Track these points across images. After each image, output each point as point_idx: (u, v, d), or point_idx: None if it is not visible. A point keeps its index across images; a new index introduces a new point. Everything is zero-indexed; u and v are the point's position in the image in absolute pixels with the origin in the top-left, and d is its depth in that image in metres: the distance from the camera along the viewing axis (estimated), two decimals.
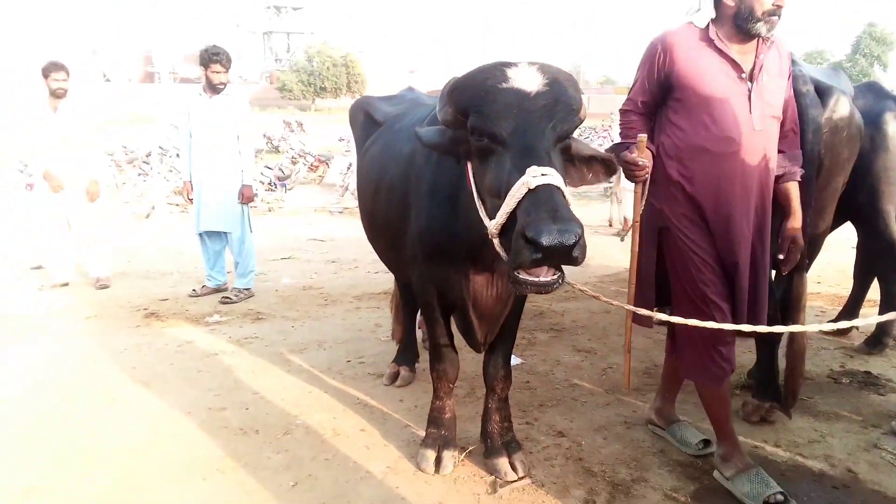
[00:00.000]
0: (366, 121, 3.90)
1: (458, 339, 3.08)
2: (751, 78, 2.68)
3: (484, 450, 3.10)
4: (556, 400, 3.77)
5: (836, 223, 3.99)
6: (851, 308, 4.81)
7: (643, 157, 2.74)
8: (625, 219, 9.13)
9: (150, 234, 9.74)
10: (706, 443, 3.14)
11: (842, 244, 5.97)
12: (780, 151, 2.83)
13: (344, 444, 3.29)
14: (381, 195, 3.28)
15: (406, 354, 4.16)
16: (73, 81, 6.34)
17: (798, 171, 2.89)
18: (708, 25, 2.70)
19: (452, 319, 3.06)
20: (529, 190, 1.93)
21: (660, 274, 2.93)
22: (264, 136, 22.47)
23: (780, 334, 3.44)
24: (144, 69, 55.88)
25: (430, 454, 3.05)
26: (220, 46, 5.96)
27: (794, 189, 2.89)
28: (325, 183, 15.65)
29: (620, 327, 5.04)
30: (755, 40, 2.68)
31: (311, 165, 15.88)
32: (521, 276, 1.95)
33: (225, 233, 6.09)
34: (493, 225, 2.09)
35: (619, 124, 3.00)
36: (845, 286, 5.29)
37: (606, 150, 2.98)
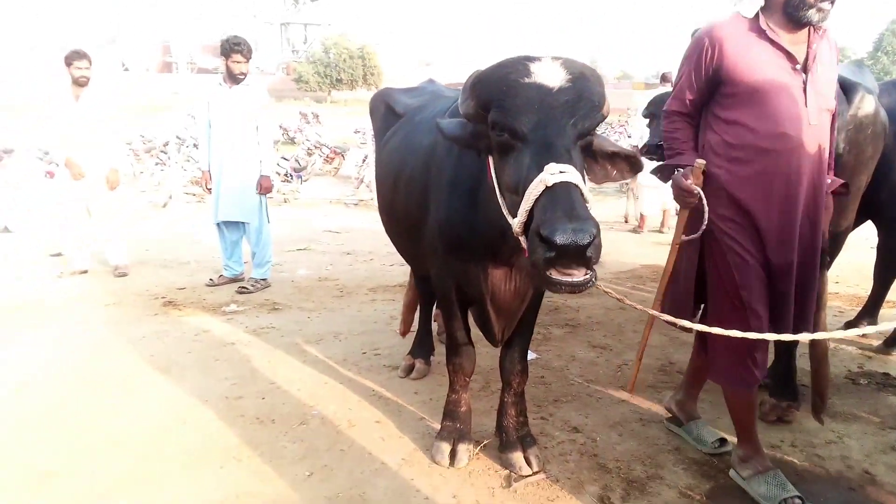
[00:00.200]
0: (386, 112, 3.90)
1: (475, 333, 3.08)
2: (805, 69, 2.55)
3: (499, 444, 3.10)
4: (572, 396, 3.77)
5: (857, 221, 3.95)
6: (871, 309, 4.76)
7: (697, 184, 2.62)
8: (641, 215, 9.08)
9: (167, 223, 9.82)
10: (722, 441, 3.12)
11: (861, 244, 5.91)
12: None
13: (359, 436, 3.30)
14: (401, 187, 3.29)
15: (421, 347, 4.16)
16: (95, 70, 6.39)
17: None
18: (757, 15, 2.58)
19: (470, 313, 3.06)
20: (547, 187, 1.92)
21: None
22: (280, 127, 22.53)
23: None
24: (162, 59, 56.13)
25: (446, 447, 3.06)
26: (241, 37, 5.99)
27: None
28: (341, 175, 15.69)
29: (636, 324, 5.04)
30: (806, 29, 2.56)
31: (327, 157, 15.91)
32: (553, 276, 1.90)
33: (243, 223, 6.12)
34: (515, 223, 2.08)
35: (665, 129, 2.86)
36: (864, 286, 5.24)
37: (654, 170, 2.95)
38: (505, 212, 2.21)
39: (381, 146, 3.85)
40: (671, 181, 2.74)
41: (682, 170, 2.71)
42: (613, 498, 2.77)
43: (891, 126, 3.60)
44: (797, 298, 2.68)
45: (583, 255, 1.83)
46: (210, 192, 6.18)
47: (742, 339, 2.41)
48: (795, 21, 2.52)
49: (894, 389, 3.89)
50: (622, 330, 4.89)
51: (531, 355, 4.16)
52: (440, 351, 4.28)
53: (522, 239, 2.11)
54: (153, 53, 55.37)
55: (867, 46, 59.06)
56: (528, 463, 2.96)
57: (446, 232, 2.80)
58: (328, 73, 47.32)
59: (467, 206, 2.65)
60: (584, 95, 2.11)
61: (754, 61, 2.55)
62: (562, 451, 3.16)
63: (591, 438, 3.28)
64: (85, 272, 6.51)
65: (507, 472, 2.96)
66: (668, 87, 7.89)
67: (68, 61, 6.19)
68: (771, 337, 2.34)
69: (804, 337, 2.43)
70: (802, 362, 3.43)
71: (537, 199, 1.94)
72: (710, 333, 2.50)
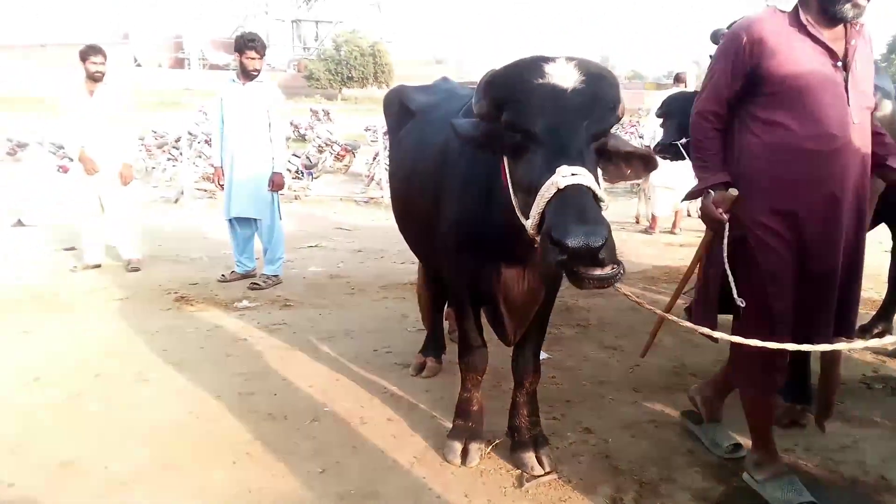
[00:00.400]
0: (400, 110, 3.89)
1: (488, 332, 3.08)
2: (845, 66, 2.46)
3: (510, 443, 3.10)
4: (583, 396, 3.76)
5: (871, 224, 3.92)
6: (886, 313, 4.73)
7: (727, 211, 2.56)
8: (652, 216, 9.04)
9: (179, 218, 9.86)
10: (737, 447, 3.09)
11: (874, 247, 5.86)
12: None
13: (371, 433, 3.31)
14: (414, 185, 3.29)
15: (433, 346, 4.16)
16: (110, 66, 6.42)
17: None
18: (796, 9, 2.48)
19: (482, 312, 3.06)
20: (559, 190, 1.91)
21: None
22: (291, 124, 22.55)
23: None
24: (174, 55, 56.34)
25: (457, 446, 3.06)
26: (256, 33, 6.01)
27: None
28: (351, 172, 15.71)
29: (648, 325, 4.97)
30: (842, 25, 2.47)
31: (338, 154, 15.91)
32: (580, 271, 1.90)
33: (255, 219, 6.13)
34: (529, 225, 2.08)
35: (695, 131, 2.72)
36: (878, 290, 5.20)
37: (689, 193, 2.86)
38: (518, 212, 2.21)
39: (395, 144, 3.86)
40: (700, 206, 2.67)
41: (712, 192, 2.61)
42: (626, 500, 2.77)
43: None
44: (841, 303, 2.59)
45: (595, 257, 1.83)
46: (222, 189, 6.20)
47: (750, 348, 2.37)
48: (831, 16, 2.43)
49: None
50: (634, 331, 4.87)
51: (543, 355, 4.15)
52: (452, 349, 4.28)
53: (539, 239, 2.11)
54: (165, 50, 55.58)
55: (881, 48, 58.63)
56: (540, 463, 2.96)
57: (459, 231, 2.80)
58: (339, 70, 47.42)
59: (480, 205, 2.65)
60: (598, 97, 2.10)
61: (797, 59, 2.44)
62: (574, 451, 3.16)
63: (604, 439, 3.27)
64: (98, 266, 6.55)
65: (518, 471, 2.96)
66: (681, 88, 7.87)
67: (83, 56, 6.22)
68: (792, 347, 2.28)
69: (824, 348, 2.38)
70: (816, 364, 3.40)
71: (549, 202, 1.94)
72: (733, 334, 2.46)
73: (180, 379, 3.92)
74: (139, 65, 49.85)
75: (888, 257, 4.68)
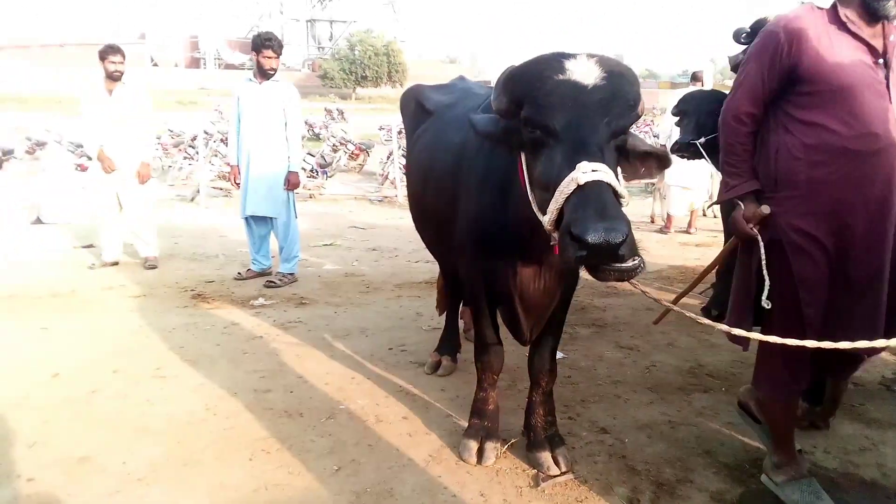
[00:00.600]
0: (416, 109, 3.90)
1: (503, 331, 3.07)
2: (885, 63, 2.37)
3: (526, 443, 3.09)
4: (599, 396, 3.75)
5: None
6: None
7: (759, 226, 2.50)
8: (668, 215, 8.99)
9: (195, 217, 9.93)
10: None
11: None
12: None
13: (386, 431, 3.31)
14: (431, 184, 3.29)
15: (448, 344, 4.16)
16: (128, 65, 6.48)
17: None
18: (834, 5, 2.40)
19: (498, 311, 3.05)
20: (578, 186, 1.90)
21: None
22: (306, 123, 22.66)
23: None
24: (190, 54, 56.75)
25: (473, 445, 3.06)
26: (272, 32, 6.03)
27: None
28: (366, 171, 15.77)
29: (663, 325, 4.92)
30: (880, 22, 2.38)
31: (352, 153, 15.96)
32: (601, 264, 1.89)
33: (270, 218, 6.16)
34: (546, 221, 2.07)
35: (728, 132, 2.62)
36: None
37: (721, 195, 2.78)
38: (535, 209, 2.20)
39: (412, 143, 3.86)
40: (731, 218, 2.61)
41: (741, 204, 2.55)
42: (643, 500, 2.75)
43: None
44: (890, 305, 2.48)
45: (615, 253, 1.82)
46: (238, 187, 6.23)
47: (791, 349, 2.32)
48: (872, 13, 2.34)
49: None
50: (650, 331, 4.84)
51: (558, 355, 4.14)
52: (466, 348, 4.29)
53: (555, 235, 2.11)
54: (181, 49, 55.97)
55: None
56: (556, 463, 2.94)
57: (476, 229, 2.79)
58: (353, 69, 47.58)
59: (497, 203, 2.65)
60: (618, 94, 2.09)
61: (838, 57, 2.35)
62: (590, 451, 3.14)
63: (620, 440, 3.25)
64: (116, 264, 6.61)
65: (534, 471, 2.95)
66: (698, 87, 7.80)
67: (102, 56, 6.28)
68: (812, 345, 2.22)
69: (845, 346, 2.32)
70: None
71: (568, 198, 1.93)
72: (759, 341, 2.41)
73: (197, 375, 3.95)
74: (156, 64, 50.26)
75: None
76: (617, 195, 1.94)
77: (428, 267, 6.67)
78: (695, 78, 8.40)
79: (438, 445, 3.19)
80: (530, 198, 2.24)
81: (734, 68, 4.94)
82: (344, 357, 4.30)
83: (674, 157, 2.67)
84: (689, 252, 7.78)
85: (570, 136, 2.00)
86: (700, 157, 4.81)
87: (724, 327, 2.47)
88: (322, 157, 14.44)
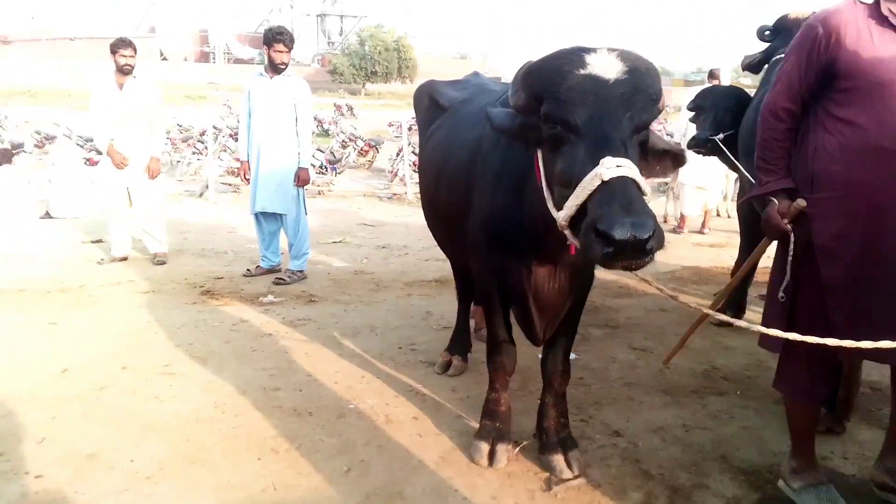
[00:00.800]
0: (430, 105, 3.86)
1: (515, 332, 3.03)
2: None
3: (538, 445, 3.05)
4: (612, 398, 3.70)
5: None
6: None
7: (790, 222, 2.44)
8: (681, 215, 8.91)
9: (204, 212, 9.92)
10: None
11: None
12: None
13: (396, 432, 3.28)
14: (444, 181, 3.25)
15: (459, 344, 4.12)
16: (139, 59, 6.46)
17: None
18: (877, 1, 2.31)
19: (511, 310, 3.01)
20: (603, 182, 1.86)
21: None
22: (315, 118, 22.68)
23: None
24: (200, 49, 56.84)
25: (484, 447, 3.01)
26: (284, 26, 6.00)
27: None
28: (375, 168, 15.74)
29: (677, 326, 4.92)
30: None
31: (361, 150, 15.93)
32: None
33: (280, 214, 6.13)
34: (561, 216, 2.03)
35: (764, 127, 2.55)
36: None
37: (754, 191, 2.74)
38: (550, 205, 2.17)
39: (425, 139, 3.81)
40: (764, 213, 2.55)
41: (775, 201, 2.49)
42: None
43: None
44: None
45: (642, 249, 1.78)
46: (248, 183, 6.20)
47: (817, 353, 2.28)
48: None
49: None
50: (663, 332, 4.79)
51: (570, 356, 4.10)
52: (477, 348, 4.24)
53: (568, 233, 2.07)
54: (191, 43, 56.09)
55: None
56: (569, 466, 2.90)
57: (490, 227, 2.75)
58: (363, 65, 47.54)
59: (513, 201, 2.61)
60: (640, 88, 2.04)
61: (878, 53, 2.26)
62: (603, 455, 3.10)
63: (633, 443, 3.20)
64: (125, 259, 6.59)
65: (546, 474, 2.90)
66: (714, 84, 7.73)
67: (113, 49, 6.26)
68: (832, 343, 2.16)
69: (867, 345, 2.25)
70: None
71: (592, 194, 1.88)
72: (786, 342, 2.34)
73: (206, 372, 3.92)
74: (165, 58, 50.35)
75: None
76: (640, 191, 1.90)
77: (438, 265, 6.62)
78: (712, 75, 8.34)
79: (449, 447, 3.15)
80: (546, 195, 2.19)
81: (746, 67, 4.89)
82: (353, 355, 4.26)
83: (688, 156, 2.60)
84: (702, 253, 7.70)
85: (592, 131, 1.96)
86: (716, 153, 4.76)
87: (760, 328, 2.39)
88: (331, 153, 14.41)
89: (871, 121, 2.28)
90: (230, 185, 12.08)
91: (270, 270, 6.20)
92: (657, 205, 10.57)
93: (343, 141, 15.86)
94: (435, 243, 4.13)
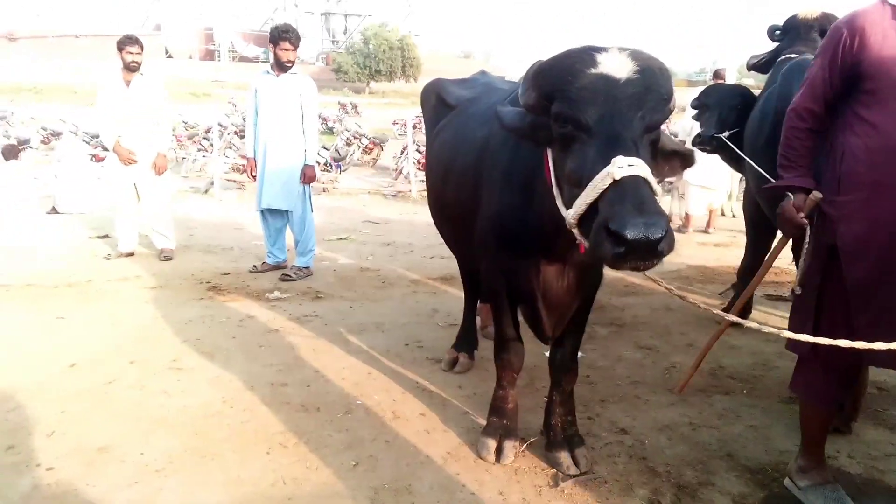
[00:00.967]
0: (437, 103, 3.86)
1: (523, 328, 3.03)
2: None
3: (545, 442, 3.06)
4: (618, 397, 3.71)
5: None
6: None
7: (807, 216, 2.43)
8: (686, 214, 8.91)
9: (209, 209, 9.94)
10: None
11: None
12: None
13: (404, 428, 3.29)
14: (452, 179, 3.26)
15: (465, 341, 4.13)
16: (146, 56, 6.48)
17: None
18: None
19: (519, 308, 3.02)
20: (614, 181, 1.86)
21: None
22: (320, 117, 22.68)
23: None
24: (205, 47, 56.86)
25: (491, 443, 3.03)
26: (290, 24, 6.01)
27: None
28: (379, 166, 15.77)
29: (683, 325, 4.94)
30: None
31: (366, 148, 15.97)
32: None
33: (286, 211, 6.15)
34: (570, 215, 2.03)
35: (787, 127, 2.55)
36: None
37: (773, 184, 2.72)
38: (559, 203, 2.17)
39: (432, 138, 3.82)
40: (779, 208, 2.53)
41: (791, 195, 2.49)
42: (664, 503, 2.71)
43: None
44: None
45: (654, 249, 1.78)
46: (255, 180, 6.22)
47: (833, 356, 2.26)
48: None
49: None
50: (669, 331, 4.80)
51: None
52: (483, 345, 4.26)
53: (576, 232, 2.07)
54: (196, 41, 56.12)
55: None
56: (576, 463, 2.91)
57: (499, 226, 2.76)
58: (367, 63, 47.50)
59: (522, 200, 2.61)
60: (652, 88, 2.04)
61: None
62: (609, 452, 3.11)
63: (640, 441, 3.21)
64: (131, 254, 6.62)
65: (553, 471, 2.91)
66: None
67: (120, 46, 6.27)
68: (845, 344, 2.15)
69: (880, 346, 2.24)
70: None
71: (603, 193, 1.89)
72: (804, 344, 2.32)
73: (213, 368, 3.94)
74: (170, 56, 50.38)
75: None
76: (652, 191, 1.90)
77: (443, 263, 6.64)
78: (717, 76, 8.34)
79: (456, 443, 3.16)
80: (556, 193, 2.20)
81: (753, 67, 4.89)
82: (360, 352, 4.28)
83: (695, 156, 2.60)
84: (707, 252, 7.71)
85: (603, 130, 1.96)
86: (720, 151, 4.75)
87: (789, 334, 2.37)
88: (336, 150, 14.46)
89: (892, 122, 2.27)
90: (235, 181, 12.11)
91: (276, 267, 6.22)
92: (662, 203, 10.58)
93: (348, 139, 15.90)
94: (440, 241, 4.14)
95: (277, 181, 6.02)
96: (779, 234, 2.90)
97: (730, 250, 7.75)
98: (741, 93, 4.99)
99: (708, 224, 8.93)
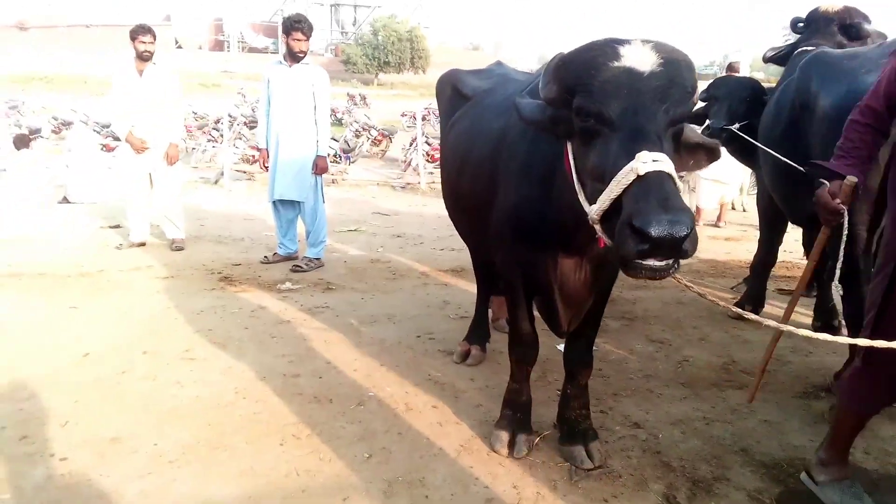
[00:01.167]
0: (453, 95, 3.83)
1: (536, 321, 3.02)
2: None
3: (559, 436, 3.05)
4: (631, 390, 3.69)
5: None
6: None
7: (845, 202, 2.41)
8: (697, 208, 8.85)
9: (219, 200, 9.95)
10: None
11: None
12: None
13: (416, 420, 3.28)
14: (468, 171, 3.23)
15: (477, 333, 4.12)
16: (158, 46, 6.47)
17: None
18: None
19: (535, 301, 3.00)
20: (638, 176, 1.82)
21: None
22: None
23: None
24: (214, 37, 56.80)
25: (505, 436, 3.02)
26: (303, 14, 5.99)
27: None
28: (388, 157, 15.74)
29: (695, 319, 4.91)
30: None
31: (375, 139, 15.94)
32: (633, 261, 1.84)
33: (298, 202, 6.14)
34: (594, 210, 1.99)
35: (846, 123, 2.56)
36: None
37: (807, 167, 2.71)
38: (582, 199, 2.13)
39: (448, 129, 3.80)
40: (815, 196, 2.51)
41: (826, 183, 2.47)
42: (679, 497, 2.70)
43: None
44: None
45: (678, 247, 1.75)
46: (267, 170, 6.21)
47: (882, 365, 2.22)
48: None
49: None
50: (681, 325, 4.77)
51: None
52: (495, 338, 4.25)
53: (598, 227, 2.04)
54: (205, 32, 56.07)
55: None
56: (590, 457, 2.90)
57: (516, 219, 2.73)
58: (376, 55, 47.35)
59: (540, 192, 2.58)
60: (676, 80, 2.00)
61: None
62: (623, 446, 3.09)
63: (653, 435, 3.20)
64: (143, 244, 6.63)
65: (567, 465, 2.90)
66: None
67: (133, 35, 6.27)
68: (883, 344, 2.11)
69: None
70: None
71: (627, 189, 1.85)
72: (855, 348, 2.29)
73: (226, 358, 3.94)
74: (180, 47, 50.36)
75: None
76: (676, 186, 1.87)
77: (454, 255, 6.63)
78: (731, 68, 8.27)
79: (469, 435, 3.15)
80: (577, 188, 2.16)
81: (770, 59, 4.84)
82: (371, 343, 4.27)
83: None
84: (718, 245, 7.67)
85: (627, 124, 1.92)
86: (729, 143, 4.71)
87: (865, 342, 2.23)
88: (346, 142, 14.43)
89: None
90: (245, 172, 12.11)
91: (288, 258, 6.22)
92: None
93: (356, 130, 15.86)
94: (450, 233, 4.13)
95: (290, 172, 6.01)
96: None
97: (741, 244, 7.70)
98: (751, 85, 4.95)
99: (718, 218, 8.88)
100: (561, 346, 3.80)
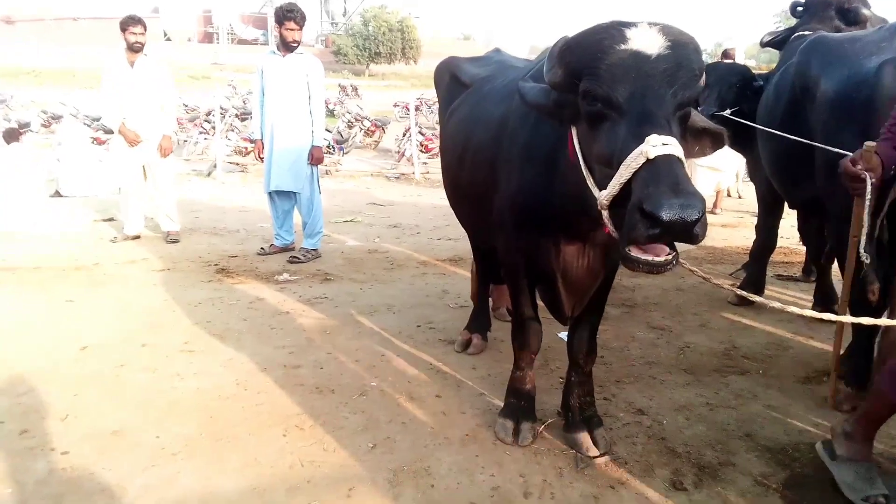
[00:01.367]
0: (451, 82, 3.80)
1: (539, 309, 3.00)
2: None
3: (564, 423, 3.04)
4: (634, 377, 3.68)
5: None
6: None
7: (869, 169, 2.41)
8: None
9: (212, 192, 9.89)
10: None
11: None
12: None
13: (420, 409, 3.27)
14: (468, 158, 3.21)
15: (478, 322, 4.10)
16: (149, 37, 6.40)
17: None
18: None
19: (537, 289, 2.98)
20: (648, 160, 1.80)
21: None
22: None
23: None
24: (203, 29, 56.34)
25: (509, 424, 3.00)
26: (295, 4, 5.93)
27: None
28: (381, 148, 15.69)
29: (695, 305, 4.91)
30: None
31: (368, 130, 15.88)
32: (632, 254, 1.83)
33: (294, 193, 6.10)
34: (603, 196, 1.96)
35: (894, 114, 2.55)
36: None
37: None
38: (590, 184, 2.10)
39: (447, 116, 3.76)
40: (839, 165, 2.50)
41: (850, 154, 2.46)
42: (686, 483, 2.69)
43: None
44: None
45: (689, 232, 1.73)
46: (262, 161, 6.17)
47: None
48: None
49: None
50: (681, 311, 4.77)
51: None
52: (496, 327, 4.23)
53: (605, 213, 2.02)
54: (194, 24, 55.63)
55: None
56: (595, 444, 2.89)
57: (518, 205, 2.71)
58: (367, 46, 47.09)
59: (542, 178, 2.55)
60: (683, 63, 1.97)
61: None
62: (627, 433, 3.09)
63: (658, 421, 3.19)
64: (138, 237, 6.58)
65: (573, 452, 2.89)
66: None
67: (123, 27, 6.19)
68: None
69: None
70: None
71: (636, 173, 1.83)
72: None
73: (225, 350, 3.91)
74: (169, 39, 49.95)
75: None
76: (685, 171, 1.84)
77: (451, 245, 6.61)
78: (726, 55, 8.26)
79: (473, 424, 3.14)
80: (585, 174, 2.13)
81: (768, 44, 4.83)
82: (372, 334, 4.25)
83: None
84: (714, 232, 7.65)
85: (635, 108, 1.89)
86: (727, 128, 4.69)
87: (812, 313, 2.27)
88: (339, 133, 14.36)
89: None
90: (237, 164, 12.04)
91: (284, 249, 6.19)
92: None
93: (349, 121, 15.79)
94: (446, 223, 4.11)
95: (285, 163, 5.96)
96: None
97: (737, 231, 7.71)
98: (741, 72, 4.94)
99: (714, 205, 8.89)
100: (563, 335, 3.81)
